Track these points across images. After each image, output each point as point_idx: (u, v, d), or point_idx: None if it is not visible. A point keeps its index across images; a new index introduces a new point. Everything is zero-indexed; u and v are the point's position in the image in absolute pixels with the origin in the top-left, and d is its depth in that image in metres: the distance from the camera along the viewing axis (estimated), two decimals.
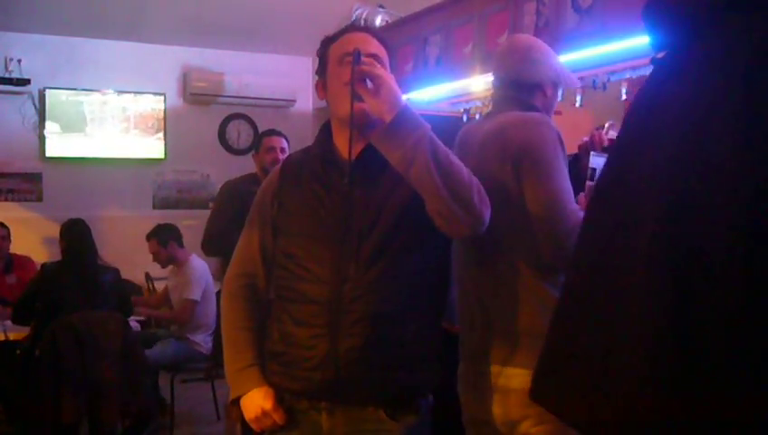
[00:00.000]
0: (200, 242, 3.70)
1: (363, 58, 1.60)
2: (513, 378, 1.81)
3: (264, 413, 1.72)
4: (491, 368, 1.85)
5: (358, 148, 1.68)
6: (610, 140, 2.25)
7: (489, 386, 1.86)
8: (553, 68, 2.00)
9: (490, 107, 2.09)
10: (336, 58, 1.72)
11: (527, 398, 1.76)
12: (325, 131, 1.80)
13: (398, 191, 1.68)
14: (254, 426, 1.76)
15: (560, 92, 2.05)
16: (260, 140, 3.75)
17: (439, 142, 1.59)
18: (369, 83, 1.57)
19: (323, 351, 1.65)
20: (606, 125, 2.30)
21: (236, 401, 1.78)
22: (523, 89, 1.96)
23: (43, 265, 4.09)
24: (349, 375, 1.64)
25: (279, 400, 1.74)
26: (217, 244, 3.51)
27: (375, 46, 1.72)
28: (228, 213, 3.41)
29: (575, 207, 1.81)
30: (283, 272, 1.75)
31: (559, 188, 1.80)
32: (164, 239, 4.63)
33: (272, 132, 3.73)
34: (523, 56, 1.97)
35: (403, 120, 1.55)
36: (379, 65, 1.64)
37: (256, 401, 1.73)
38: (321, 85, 1.79)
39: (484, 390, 1.87)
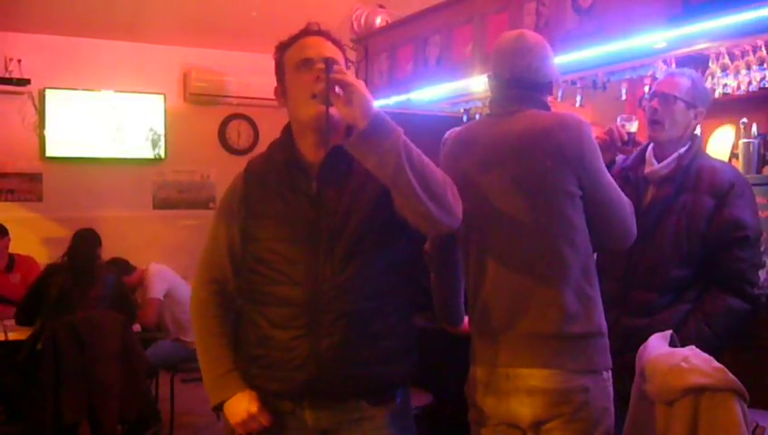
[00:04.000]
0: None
1: (334, 66, 1.59)
2: (540, 379, 1.81)
3: (251, 416, 1.74)
4: (516, 370, 1.84)
5: (323, 151, 1.71)
6: (629, 134, 2.25)
7: (513, 388, 1.85)
8: (555, 67, 2.02)
9: (493, 107, 2.05)
10: (293, 64, 1.73)
11: (556, 397, 1.79)
12: (287, 136, 1.80)
13: (366, 192, 1.71)
14: (240, 430, 1.77)
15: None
16: None
17: (412, 145, 1.60)
18: (339, 90, 1.57)
19: (305, 351, 1.68)
20: (618, 120, 2.30)
21: (218, 407, 1.79)
22: (538, 87, 1.95)
23: (47, 266, 4.17)
24: (329, 373, 1.68)
25: (263, 401, 1.75)
26: None
27: (330, 49, 1.73)
28: None
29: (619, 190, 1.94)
30: (255, 277, 1.76)
31: (613, 183, 1.91)
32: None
33: None
34: (539, 54, 1.96)
35: (376, 126, 1.55)
36: (349, 73, 1.65)
37: (242, 405, 1.74)
38: (281, 91, 1.79)
39: (507, 392, 1.86)
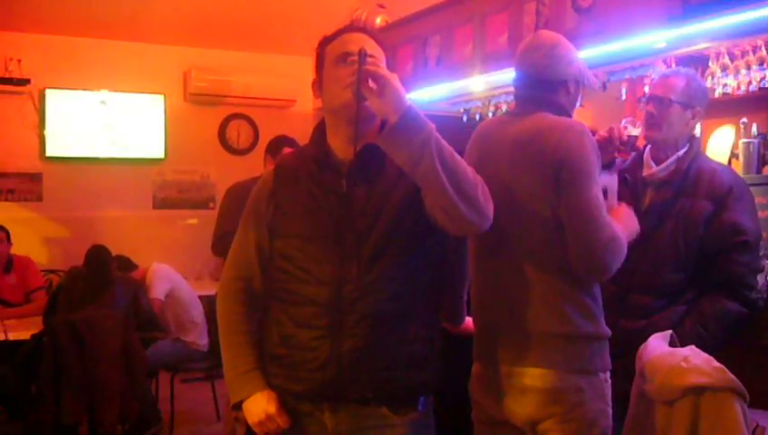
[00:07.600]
0: (210, 244, 3.72)
1: (368, 58, 1.59)
2: (533, 378, 1.81)
3: (269, 417, 1.71)
4: (510, 368, 1.85)
5: (354, 148, 1.68)
6: (629, 137, 2.25)
7: (509, 386, 1.85)
8: (577, 65, 1.99)
9: (513, 105, 2.08)
10: (333, 58, 1.72)
11: (549, 396, 1.79)
12: (319, 132, 1.79)
13: (396, 191, 1.69)
14: (257, 430, 1.74)
15: (581, 90, 2.02)
16: (279, 147, 3.68)
17: (443, 141, 1.59)
18: (373, 84, 1.56)
19: (326, 352, 1.65)
20: (623, 122, 2.30)
21: (237, 406, 1.76)
22: (548, 86, 1.95)
23: (69, 269, 4.27)
24: (351, 375, 1.65)
25: (282, 403, 1.73)
26: (227, 245, 3.53)
27: (372, 47, 1.71)
28: (235, 214, 3.42)
29: (609, 219, 1.80)
30: (281, 274, 1.74)
31: (595, 200, 1.78)
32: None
33: (292, 142, 3.69)
34: (548, 52, 1.95)
35: (409, 120, 1.54)
36: (383, 66, 1.65)
37: (260, 405, 1.72)
38: (318, 84, 1.78)
39: (503, 390, 1.86)
